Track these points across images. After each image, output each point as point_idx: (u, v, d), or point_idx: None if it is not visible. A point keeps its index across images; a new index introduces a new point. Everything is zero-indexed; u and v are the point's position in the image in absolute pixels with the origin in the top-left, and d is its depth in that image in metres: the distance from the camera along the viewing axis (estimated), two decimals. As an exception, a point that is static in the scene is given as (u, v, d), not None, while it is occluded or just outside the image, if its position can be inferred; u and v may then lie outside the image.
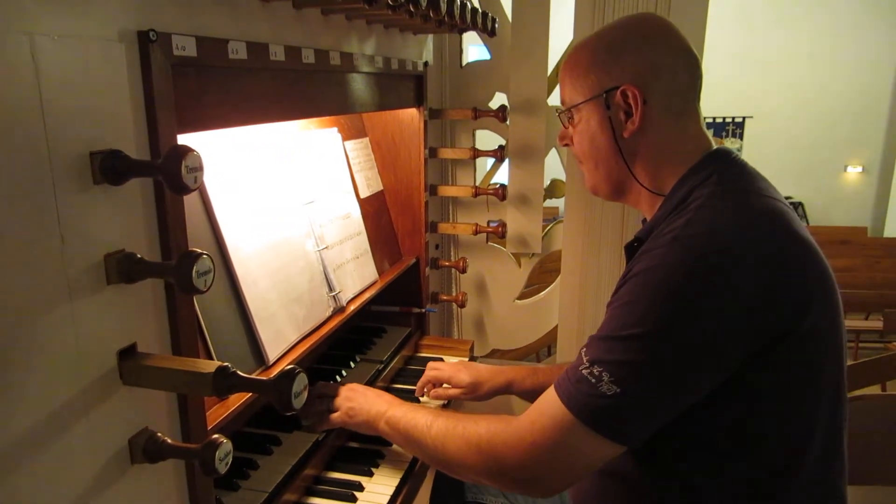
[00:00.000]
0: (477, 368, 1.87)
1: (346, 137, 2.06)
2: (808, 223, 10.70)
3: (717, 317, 1.10)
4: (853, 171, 11.43)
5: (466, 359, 2.30)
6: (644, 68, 1.30)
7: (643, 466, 1.30)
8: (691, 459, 1.24)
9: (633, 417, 1.15)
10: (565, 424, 1.17)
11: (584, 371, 1.16)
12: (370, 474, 1.62)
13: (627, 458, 1.27)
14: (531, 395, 1.33)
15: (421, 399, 1.94)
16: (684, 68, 1.32)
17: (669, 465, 1.26)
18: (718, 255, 1.10)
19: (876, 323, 6.68)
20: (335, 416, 1.59)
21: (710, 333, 1.10)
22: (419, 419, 1.44)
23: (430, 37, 2.30)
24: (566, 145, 1.50)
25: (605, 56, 1.34)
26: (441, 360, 2.27)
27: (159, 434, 0.98)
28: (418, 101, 2.18)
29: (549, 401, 1.21)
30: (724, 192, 1.21)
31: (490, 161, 2.64)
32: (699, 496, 1.24)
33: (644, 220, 1.48)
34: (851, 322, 6.76)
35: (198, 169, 0.86)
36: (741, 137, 11.44)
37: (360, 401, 1.59)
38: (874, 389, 3.73)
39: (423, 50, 2.23)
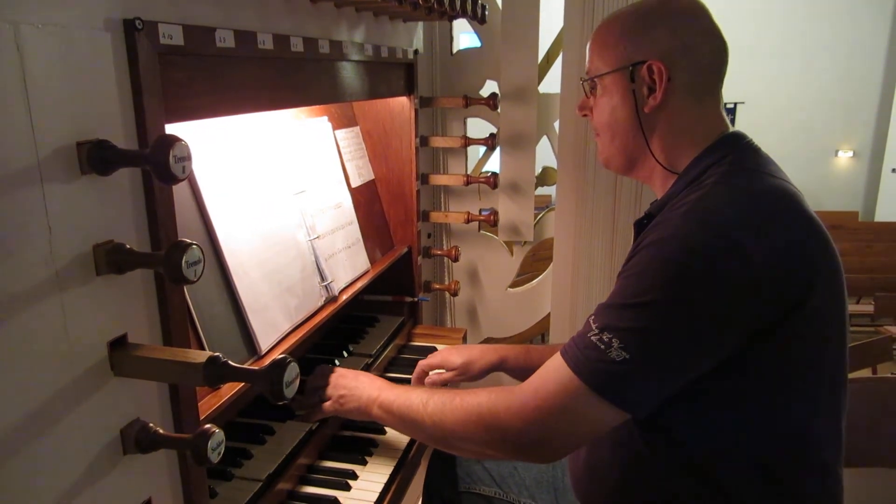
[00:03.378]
0: (468, 348, 1.86)
1: (336, 126, 2.05)
2: (799, 208, 10.70)
3: (727, 289, 1.11)
4: (844, 156, 11.47)
5: (459, 347, 2.30)
6: (673, 46, 1.30)
7: (645, 438, 1.30)
8: (693, 433, 1.25)
9: (640, 384, 1.16)
10: (572, 390, 1.18)
11: (593, 338, 1.17)
12: (364, 463, 1.62)
13: (629, 429, 1.28)
14: (524, 373, 1.33)
15: None
16: (712, 50, 1.33)
17: (671, 438, 1.27)
18: (731, 229, 1.12)
19: (867, 307, 6.72)
20: (327, 404, 1.59)
21: (718, 305, 1.12)
22: (413, 399, 1.43)
23: (421, 24, 2.29)
24: (585, 115, 1.50)
25: (637, 29, 1.34)
26: (434, 348, 2.28)
27: (151, 424, 0.98)
28: (409, 89, 2.17)
29: (556, 367, 1.22)
30: (739, 172, 1.23)
31: (481, 149, 2.64)
32: (700, 469, 1.25)
33: (653, 203, 1.48)
34: (843, 306, 6.78)
35: (186, 158, 0.85)
36: (732, 123, 11.37)
37: (351, 387, 1.57)
38: (865, 372, 3.77)
39: (414, 38, 2.23)
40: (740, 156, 1.27)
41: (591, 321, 1.20)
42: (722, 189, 1.19)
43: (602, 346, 1.15)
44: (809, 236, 1.17)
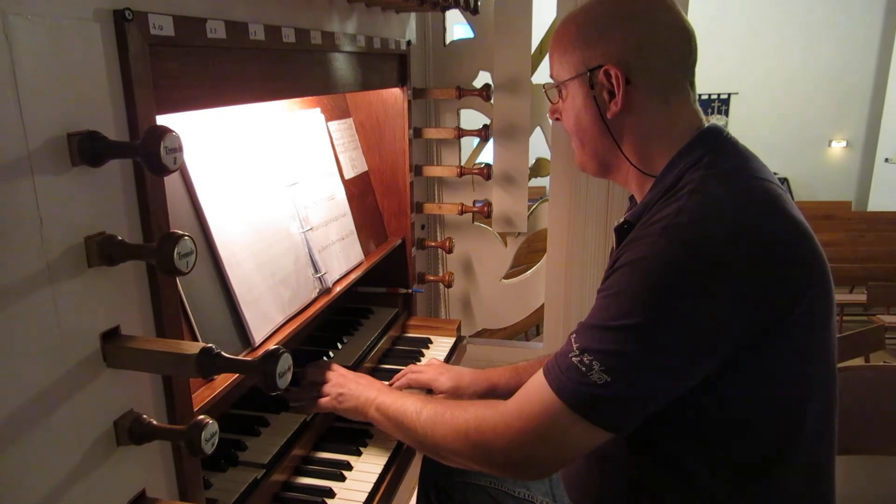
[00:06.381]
0: (459, 374, 1.85)
1: (329, 118, 2.05)
2: (792, 198, 10.78)
3: (710, 308, 1.08)
4: (837, 146, 11.49)
5: (453, 339, 2.30)
6: (629, 47, 1.25)
7: (635, 449, 1.30)
8: (682, 442, 1.24)
9: (623, 406, 1.14)
10: (555, 412, 1.16)
11: (574, 359, 1.14)
12: (358, 454, 1.62)
13: (619, 441, 1.28)
14: None
15: None
16: (674, 45, 1.28)
17: (661, 448, 1.26)
18: (711, 246, 1.09)
19: (860, 296, 6.75)
20: (324, 401, 1.60)
21: (701, 324, 1.09)
22: (408, 406, 1.45)
23: (413, 15, 2.29)
24: (556, 120, 1.46)
25: (591, 32, 1.29)
26: (429, 340, 2.28)
27: (145, 416, 0.98)
28: (402, 80, 2.17)
29: (538, 387, 1.20)
30: (716, 176, 1.18)
31: (475, 140, 2.64)
32: (690, 479, 1.24)
33: (631, 199, 1.47)
34: (836, 296, 6.81)
35: (177, 150, 0.85)
36: (727, 114, 11.47)
37: (350, 387, 1.60)
38: (858, 361, 3.79)
39: (406, 29, 2.22)
40: (717, 156, 1.21)
41: (573, 340, 1.18)
42: (699, 200, 1.14)
43: (583, 369, 1.13)
44: (794, 241, 1.14)
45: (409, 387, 1.88)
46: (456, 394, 1.82)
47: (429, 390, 1.87)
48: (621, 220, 1.33)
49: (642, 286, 1.11)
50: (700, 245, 1.09)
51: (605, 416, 1.15)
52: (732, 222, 1.11)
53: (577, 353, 1.15)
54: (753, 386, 1.17)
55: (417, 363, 2.07)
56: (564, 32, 1.36)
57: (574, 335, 1.19)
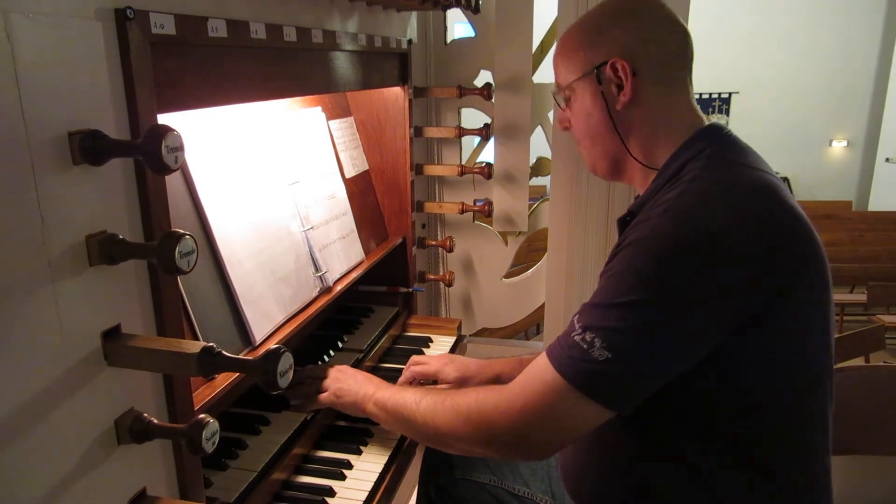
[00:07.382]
0: (465, 363, 1.86)
1: (330, 117, 2.05)
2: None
3: (708, 287, 1.11)
4: (838, 146, 11.49)
5: (454, 338, 2.31)
6: (631, 41, 1.31)
7: (632, 439, 1.31)
8: (678, 427, 1.26)
9: (624, 383, 1.16)
10: (557, 389, 1.18)
11: (576, 337, 1.17)
12: (359, 452, 1.63)
13: (616, 424, 1.29)
14: None
15: None
16: (672, 38, 1.33)
17: (657, 431, 1.28)
18: (710, 226, 1.12)
19: (860, 296, 6.75)
20: (324, 396, 1.61)
21: (700, 303, 1.12)
22: (407, 397, 1.45)
23: (414, 14, 2.28)
24: (566, 129, 1.51)
25: (593, 33, 1.36)
26: (429, 339, 2.28)
27: (145, 414, 0.98)
28: (403, 79, 2.17)
29: (541, 367, 1.22)
30: (717, 165, 1.22)
31: (476, 139, 2.63)
32: (685, 462, 1.26)
33: (636, 197, 1.48)
34: (836, 295, 6.75)
35: (178, 149, 0.85)
36: (727, 113, 11.46)
37: (348, 382, 1.60)
38: (858, 361, 3.79)
39: (407, 27, 2.22)
40: (718, 148, 1.26)
41: (575, 320, 1.20)
42: (700, 185, 1.18)
43: (585, 346, 1.15)
44: (789, 227, 1.16)
45: (415, 380, 1.88)
46: (462, 383, 1.82)
47: (434, 382, 1.87)
48: (624, 212, 1.36)
49: (643, 264, 1.14)
50: (699, 225, 1.13)
51: (606, 392, 1.17)
52: (732, 205, 1.14)
53: (580, 331, 1.17)
54: (751, 373, 1.20)
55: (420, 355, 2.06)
56: (566, 40, 1.42)
57: (577, 315, 1.21)
